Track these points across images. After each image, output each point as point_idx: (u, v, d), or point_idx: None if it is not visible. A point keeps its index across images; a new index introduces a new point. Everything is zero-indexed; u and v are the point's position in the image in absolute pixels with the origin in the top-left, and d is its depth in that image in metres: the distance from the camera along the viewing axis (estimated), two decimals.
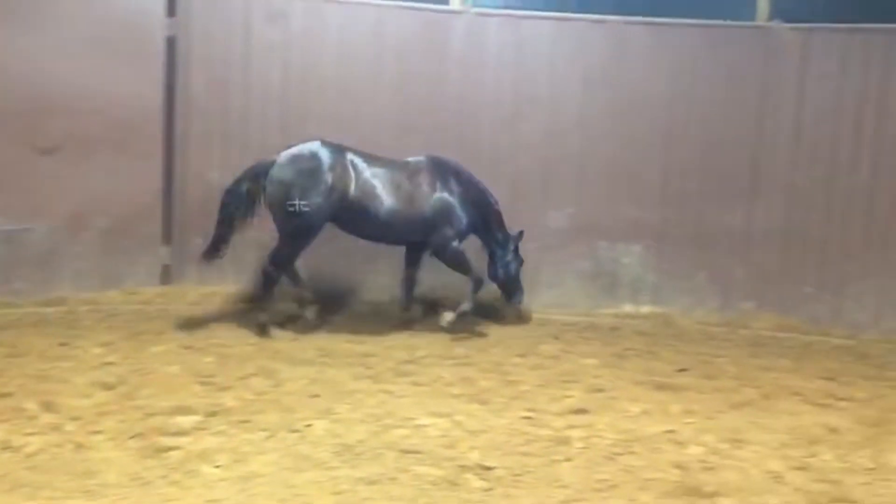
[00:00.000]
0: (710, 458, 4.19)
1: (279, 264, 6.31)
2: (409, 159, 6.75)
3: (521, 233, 7.04)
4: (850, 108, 7.37)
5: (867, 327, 7.40)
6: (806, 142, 7.47)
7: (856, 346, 7.11)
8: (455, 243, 6.72)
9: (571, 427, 4.54)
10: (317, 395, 4.86)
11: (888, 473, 4.14)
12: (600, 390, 5.32)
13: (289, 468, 3.78)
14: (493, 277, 7.07)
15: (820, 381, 5.94)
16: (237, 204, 6.31)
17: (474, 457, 4.00)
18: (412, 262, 6.98)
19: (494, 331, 6.88)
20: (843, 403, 5.40)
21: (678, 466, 4.05)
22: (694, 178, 7.63)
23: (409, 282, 7.01)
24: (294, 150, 6.33)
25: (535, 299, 7.49)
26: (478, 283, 6.74)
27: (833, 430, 4.79)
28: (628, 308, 7.71)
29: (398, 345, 6.21)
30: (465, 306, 6.69)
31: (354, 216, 6.42)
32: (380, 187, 6.43)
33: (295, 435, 4.20)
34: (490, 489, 3.66)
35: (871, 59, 7.29)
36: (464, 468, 3.86)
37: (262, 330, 6.25)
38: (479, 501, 3.55)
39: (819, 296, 7.56)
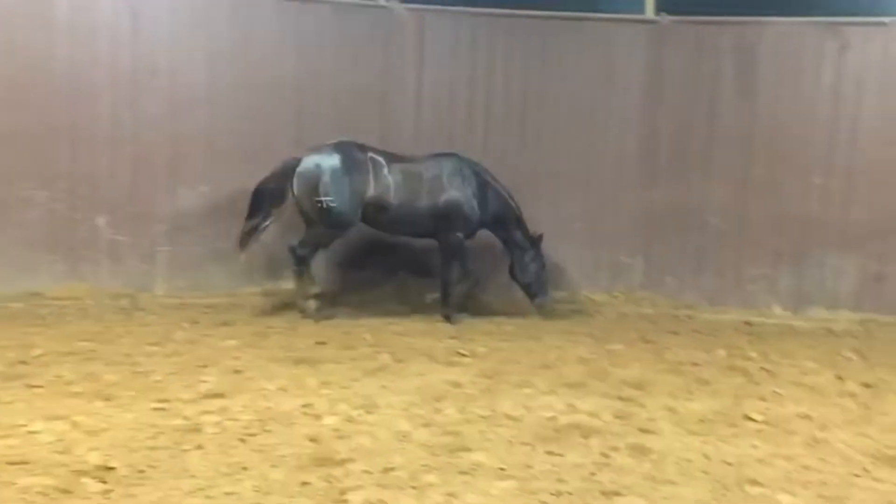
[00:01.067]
0: (343, 427, 4.28)
1: (303, 251, 6.76)
2: (429, 157, 7.16)
3: (541, 235, 7.29)
4: (462, 89, 7.96)
5: None
6: (426, 121, 7.94)
7: None
8: (460, 237, 7.13)
9: (205, 413, 4.37)
10: None
11: (500, 419, 4.56)
12: (238, 372, 5.21)
13: None
14: (515, 278, 7.40)
15: (448, 340, 6.41)
16: (266, 199, 6.72)
17: (93, 459, 3.67)
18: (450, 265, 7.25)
19: (123, 320, 6.43)
20: (466, 360, 5.87)
21: (312, 439, 4.08)
22: None
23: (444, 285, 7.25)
24: (318, 150, 6.77)
25: (171, 283, 7.13)
26: (468, 275, 7.22)
27: (456, 385, 5.18)
28: (270, 286, 7.64)
29: (10, 344, 5.53)
30: (453, 298, 7.16)
31: (374, 212, 6.84)
32: (397, 185, 6.84)
33: None
34: (109, 491, 3.38)
35: (478, 42, 7.93)
36: (80, 473, 3.52)
37: (310, 311, 6.78)
38: None
39: None
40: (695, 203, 7.76)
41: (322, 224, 6.76)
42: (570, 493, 3.61)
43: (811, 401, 5.18)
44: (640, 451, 4.16)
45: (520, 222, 7.33)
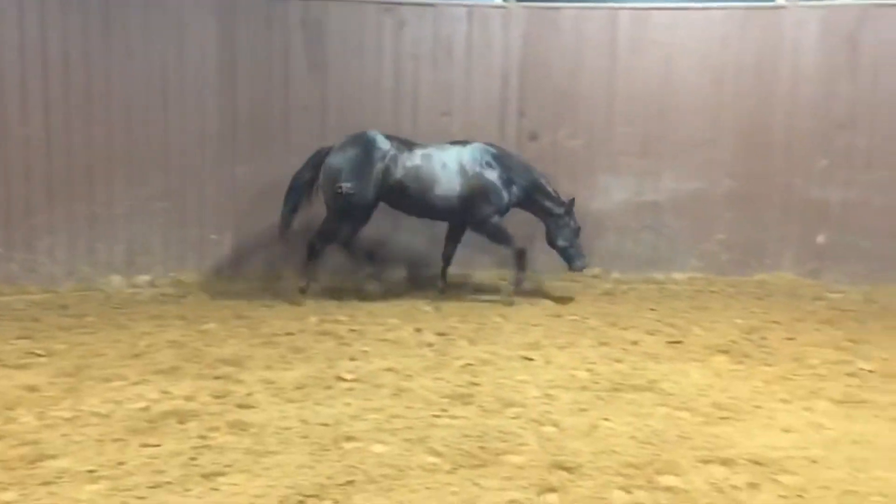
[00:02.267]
0: None
1: (327, 240, 7.17)
2: (450, 143, 7.39)
3: (572, 200, 7.34)
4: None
5: (63, 279, 7.43)
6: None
7: (54, 300, 7.11)
8: (495, 219, 7.30)
9: None
10: None
11: (86, 419, 4.23)
12: None
13: None
14: (552, 244, 7.45)
15: (18, 341, 5.75)
16: (301, 188, 7.18)
17: None
18: (452, 238, 7.56)
19: None
20: (42, 359, 5.33)
21: None
22: None
23: (446, 259, 7.58)
24: (347, 140, 7.13)
25: None
26: (520, 255, 7.30)
27: (32, 389, 4.68)
28: None
29: None
30: (520, 276, 7.34)
31: (401, 196, 7.14)
32: (422, 170, 7.10)
33: None
34: None
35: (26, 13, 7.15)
36: None
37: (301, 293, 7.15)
38: None
39: (9, 255, 7.28)
40: (278, 176, 7.86)
41: (339, 211, 7.06)
42: (169, 483, 3.49)
43: (395, 354, 5.61)
44: (239, 427, 4.15)
45: (547, 192, 7.42)
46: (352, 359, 5.48)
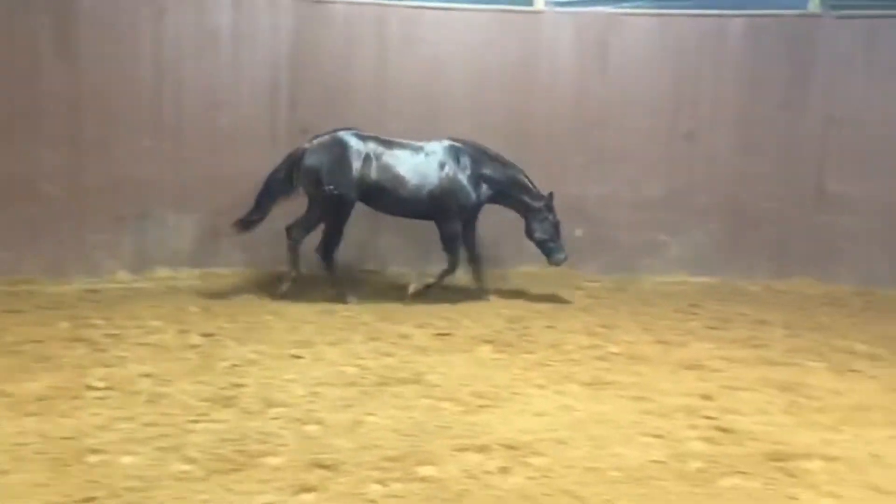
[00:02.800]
0: None
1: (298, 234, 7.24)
2: (425, 143, 7.34)
3: (551, 194, 7.37)
4: None
5: None
6: None
7: None
8: (456, 221, 7.33)
9: None
10: None
11: None
12: None
13: None
14: (531, 238, 7.50)
15: None
16: (277, 187, 7.18)
17: None
18: (468, 242, 7.53)
19: None
20: None
21: None
22: None
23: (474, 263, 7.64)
24: (323, 139, 7.16)
25: None
26: (451, 267, 7.37)
27: None
28: None
29: None
30: (430, 280, 7.39)
31: (377, 196, 7.17)
32: (397, 170, 7.13)
33: None
34: None
35: None
36: None
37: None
38: None
39: None
40: (25, 170, 7.22)
41: (324, 210, 7.09)
42: None
43: (155, 358, 5.32)
44: None
45: (526, 187, 7.44)
46: (105, 365, 5.12)
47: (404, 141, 7.37)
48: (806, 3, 8.36)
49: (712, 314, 7.18)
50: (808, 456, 3.97)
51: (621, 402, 4.81)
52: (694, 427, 4.37)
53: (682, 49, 8.38)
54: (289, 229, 7.27)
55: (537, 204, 7.43)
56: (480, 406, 4.62)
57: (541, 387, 5.03)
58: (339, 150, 7.09)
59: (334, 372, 5.17)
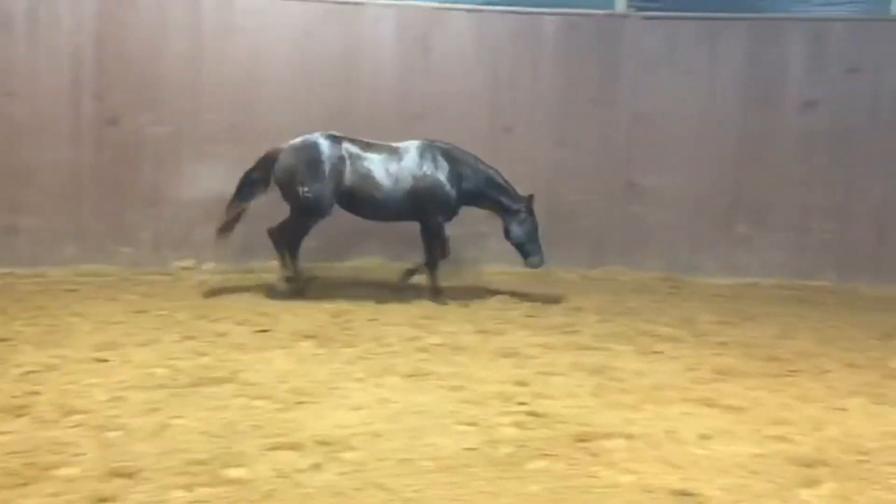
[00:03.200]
0: None
1: (284, 236, 7.11)
2: (401, 144, 7.27)
3: (531, 196, 7.38)
4: None
5: None
6: None
7: None
8: (440, 219, 7.33)
9: None
10: None
11: None
12: None
13: None
14: (508, 239, 7.50)
15: None
16: (250, 189, 7.03)
17: None
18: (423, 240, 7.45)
19: None
20: None
21: None
22: None
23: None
24: (297, 141, 7.04)
25: None
26: (431, 265, 7.44)
27: None
28: None
29: None
30: (433, 284, 7.45)
31: (352, 199, 7.08)
32: (372, 172, 7.05)
33: None
34: None
35: None
36: None
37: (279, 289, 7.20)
38: None
39: None
40: None
41: (300, 212, 7.01)
42: None
43: None
44: None
45: (502, 187, 7.41)
46: None
47: (380, 142, 7.33)
48: (613, 4, 8.81)
49: (531, 302, 7.42)
50: (609, 435, 4.16)
51: (440, 392, 4.85)
52: (507, 413, 4.47)
53: (499, 45, 8.62)
54: (270, 231, 7.17)
55: (516, 206, 7.45)
56: (297, 402, 4.52)
57: (360, 380, 4.99)
58: (312, 153, 6.99)
59: (142, 374, 4.91)
